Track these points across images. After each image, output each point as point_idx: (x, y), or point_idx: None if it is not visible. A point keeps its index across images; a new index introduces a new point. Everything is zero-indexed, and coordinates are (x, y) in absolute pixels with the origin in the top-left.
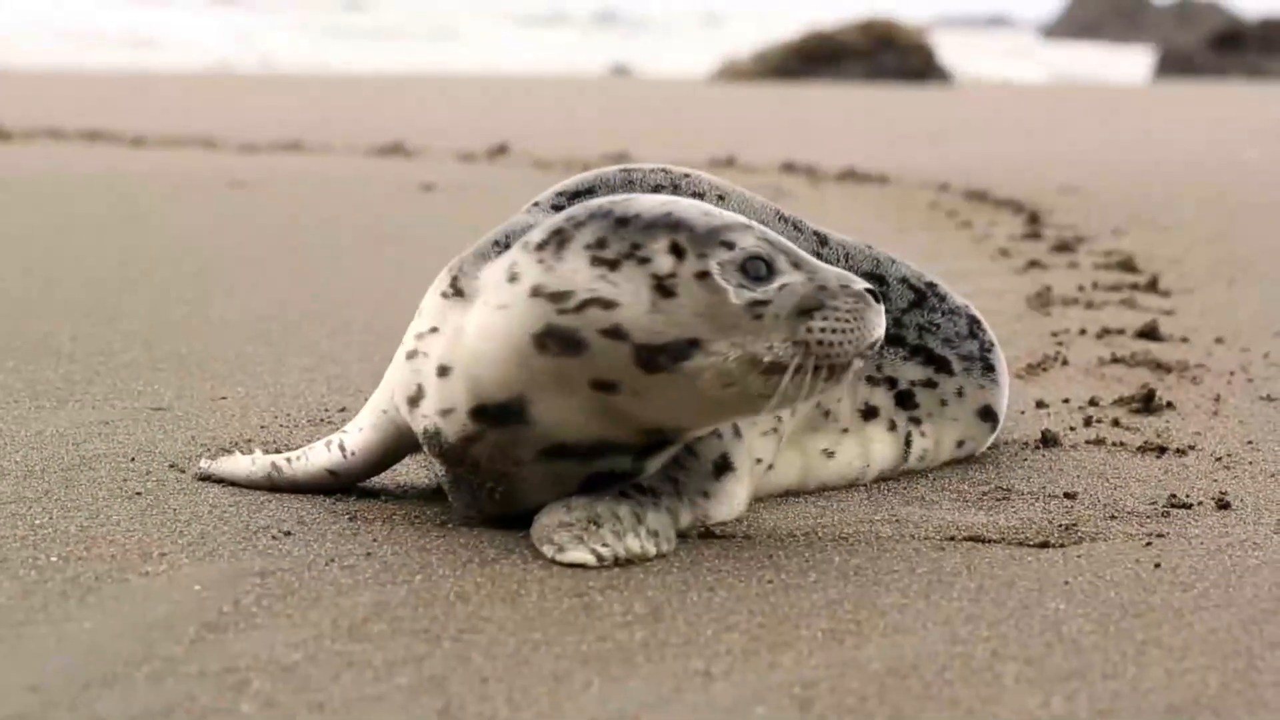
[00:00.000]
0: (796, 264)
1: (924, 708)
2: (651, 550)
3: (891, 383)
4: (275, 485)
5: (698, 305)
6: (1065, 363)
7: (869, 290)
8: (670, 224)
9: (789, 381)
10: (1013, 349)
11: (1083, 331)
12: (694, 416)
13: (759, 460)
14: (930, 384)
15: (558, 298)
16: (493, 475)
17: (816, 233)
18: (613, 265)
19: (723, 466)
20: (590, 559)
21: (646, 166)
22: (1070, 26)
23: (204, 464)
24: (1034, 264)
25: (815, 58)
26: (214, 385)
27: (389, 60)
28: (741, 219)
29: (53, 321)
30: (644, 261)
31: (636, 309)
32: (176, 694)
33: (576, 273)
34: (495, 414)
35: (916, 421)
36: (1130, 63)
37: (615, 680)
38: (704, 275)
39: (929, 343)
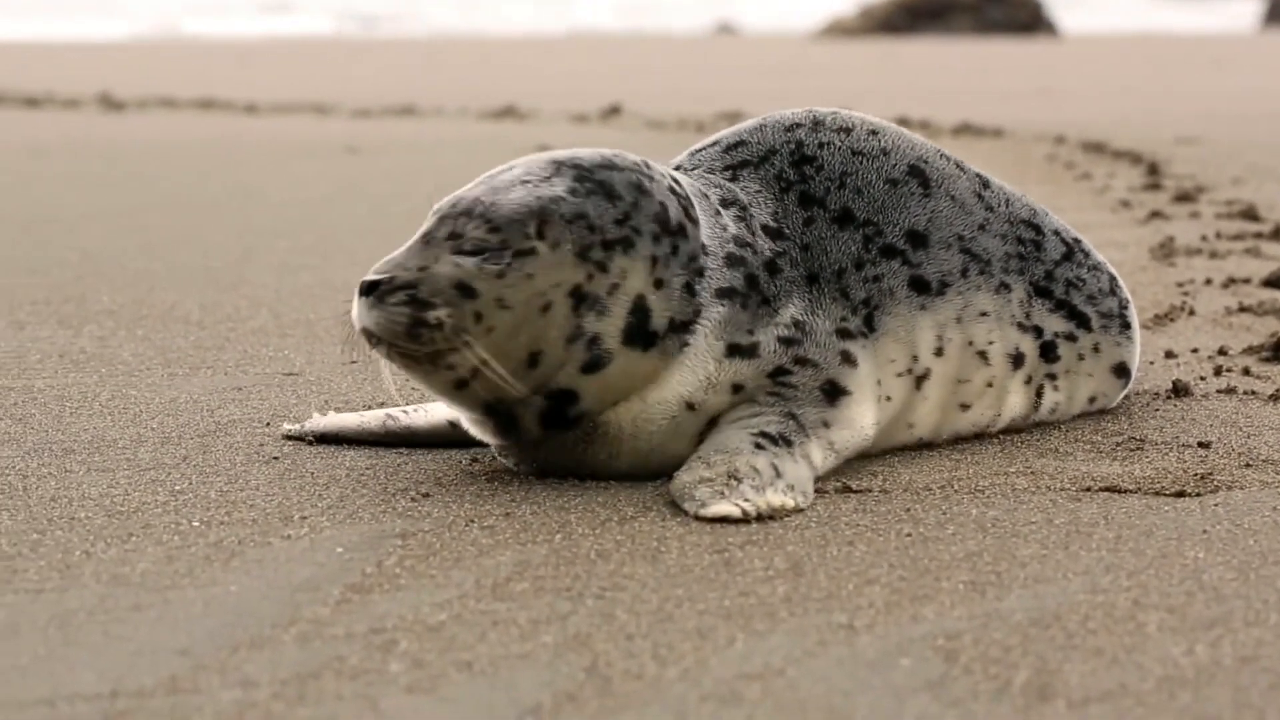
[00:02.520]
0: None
1: (1068, 657)
2: (790, 504)
3: (1038, 331)
4: (390, 434)
5: None
6: (1192, 313)
7: (364, 282)
8: None
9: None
10: (1139, 300)
11: (1208, 281)
12: None
13: (889, 398)
14: (1071, 338)
15: None
16: None
17: (979, 175)
18: None
19: (834, 392)
20: (734, 511)
21: (789, 111)
22: None
23: (307, 424)
24: (1156, 214)
25: (921, 12)
26: (343, 349)
27: (496, 22)
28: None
29: (179, 291)
30: None
31: None
32: (325, 655)
33: None
34: None
35: (1052, 377)
36: (1237, 12)
37: (759, 635)
38: None
39: (1074, 298)
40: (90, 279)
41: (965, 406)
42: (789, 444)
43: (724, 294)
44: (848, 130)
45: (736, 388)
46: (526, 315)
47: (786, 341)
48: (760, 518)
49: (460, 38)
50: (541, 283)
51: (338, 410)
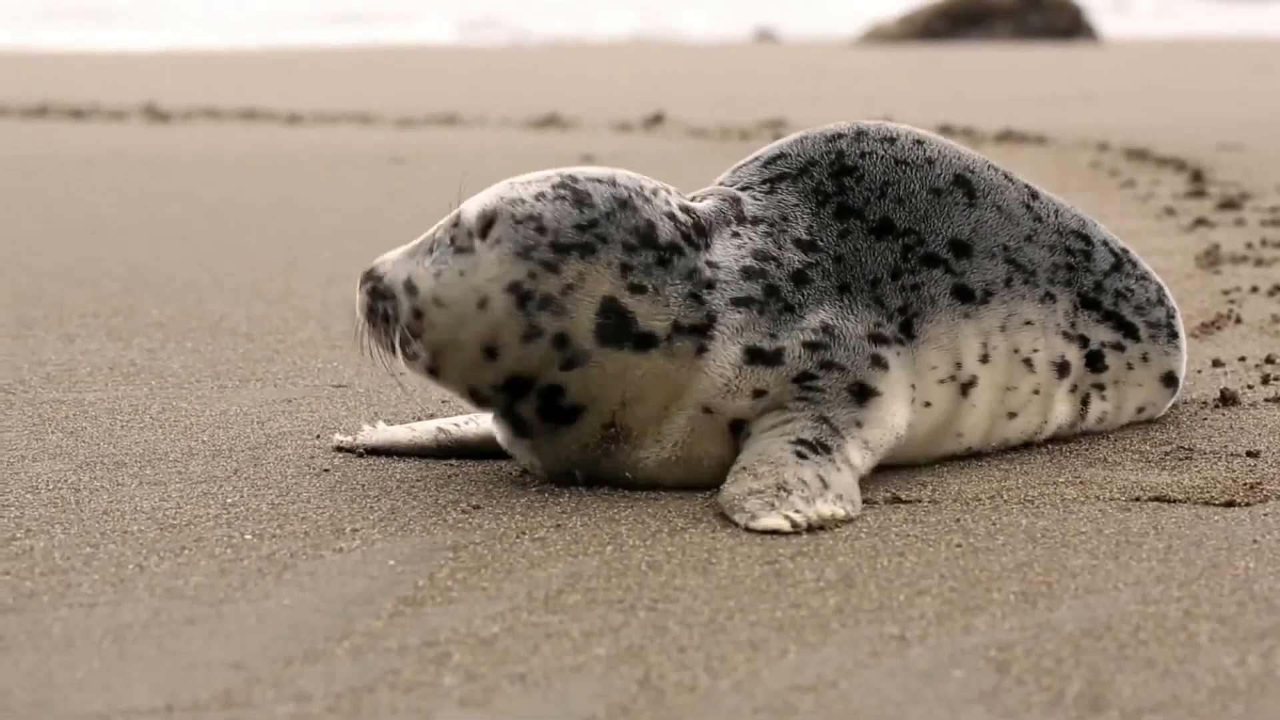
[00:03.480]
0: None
1: (1120, 668)
2: (841, 513)
3: (1084, 341)
4: (441, 447)
5: None
6: (1239, 321)
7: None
8: None
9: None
10: (1185, 308)
11: (1254, 289)
12: None
13: (928, 404)
14: (1119, 348)
15: None
16: None
17: (1028, 186)
18: None
19: (863, 393)
20: (784, 524)
21: (833, 123)
22: None
23: (359, 437)
24: (1200, 222)
25: (962, 18)
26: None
27: (534, 29)
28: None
29: (227, 302)
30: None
31: None
32: (379, 668)
33: None
34: None
35: (1099, 387)
36: (1273, 16)
37: (811, 647)
38: None
39: (1122, 309)
40: (138, 291)
41: (1012, 415)
42: (827, 449)
43: (740, 303)
44: (892, 140)
45: (758, 393)
46: (464, 311)
47: (812, 347)
48: (810, 528)
49: (500, 45)
50: (475, 279)
51: (387, 422)
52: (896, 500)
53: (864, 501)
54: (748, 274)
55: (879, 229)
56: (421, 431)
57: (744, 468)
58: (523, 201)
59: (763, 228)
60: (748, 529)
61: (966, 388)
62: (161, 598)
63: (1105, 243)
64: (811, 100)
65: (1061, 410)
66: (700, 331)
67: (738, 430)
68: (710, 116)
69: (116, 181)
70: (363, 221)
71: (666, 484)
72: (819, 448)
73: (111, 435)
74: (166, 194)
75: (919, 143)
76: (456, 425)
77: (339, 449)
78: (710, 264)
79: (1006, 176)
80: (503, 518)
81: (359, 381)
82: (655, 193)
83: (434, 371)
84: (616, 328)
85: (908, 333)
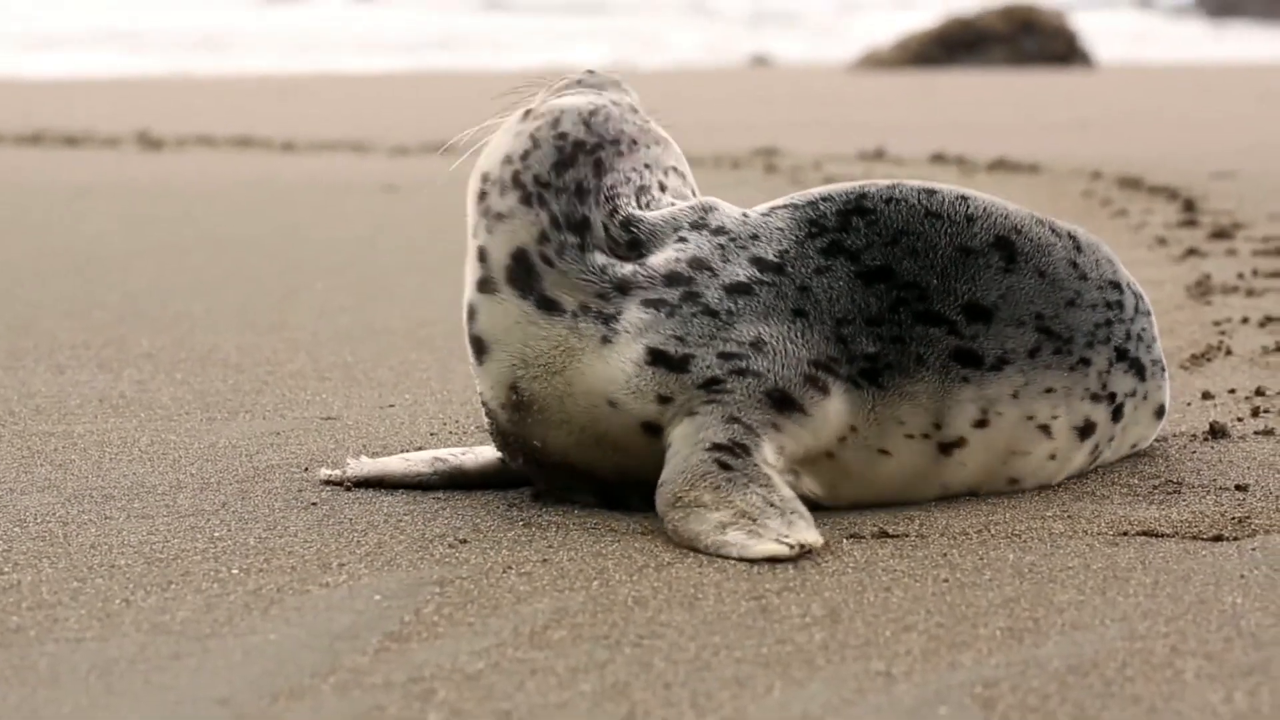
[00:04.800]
0: None
1: (1106, 705)
2: (820, 540)
3: (1112, 398)
4: (439, 475)
5: None
6: (1229, 352)
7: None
8: None
9: None
10: (1175, 339)
11: (1245, 320)
12: None
13: (885, 451)
14: (1133, 394)
15: None
16: None
17: (1071, 235)
18: None
19: (785, 402)
20: (784, 550)
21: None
22: (1212, 5)
23: (350, 469)
24: (1192, 252)
25: (956, 44)
26: (381, 393)
27: (530, 54)
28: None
29: (217, 333)
30: None
31: None
32: (364, 704)
33: None
34: None
35: (1112, 438)
36: (1272, 41)
37: (797, 683)
38: None
39: (1140, 352)
40: (130, 321)
41: (1015, 480)
42: (745, 450)
43: (651, 304)
44: (931, 192)
45: (663, 399)
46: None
47: (727, 356)
48: (804, 551)
49: (491, 71)
50: (481, 160)
51: (372, 456)
52: (883, 535)
53: (851, 536)
54: (671, 279)
55: (872, 275)
56: (416, 461)
57: (679, 497)
58: (554, 126)
59: (722, 239)
60: (743, 559)
61: (950, 447)
62: (148, 633)
63: (1129, 284)
64: (805, 126)
65: (1078, 463)
66: (606, 321)
67: (653, 433)
68: (703, 144)
69: (110, 210)
70: (358, 250)
71: (580, 463)
72: (736, 449)
73: (100, 468)
74: (160, 222)
75: (962, 199)
76: (454, 455)
77: (326, 483)
78: (638, 266)
79: (1052, 230)
80: (489, 552)
81: (348, 414)
82: (610, 200)
83: None
84: (523, 278)
85: (873, 381)
